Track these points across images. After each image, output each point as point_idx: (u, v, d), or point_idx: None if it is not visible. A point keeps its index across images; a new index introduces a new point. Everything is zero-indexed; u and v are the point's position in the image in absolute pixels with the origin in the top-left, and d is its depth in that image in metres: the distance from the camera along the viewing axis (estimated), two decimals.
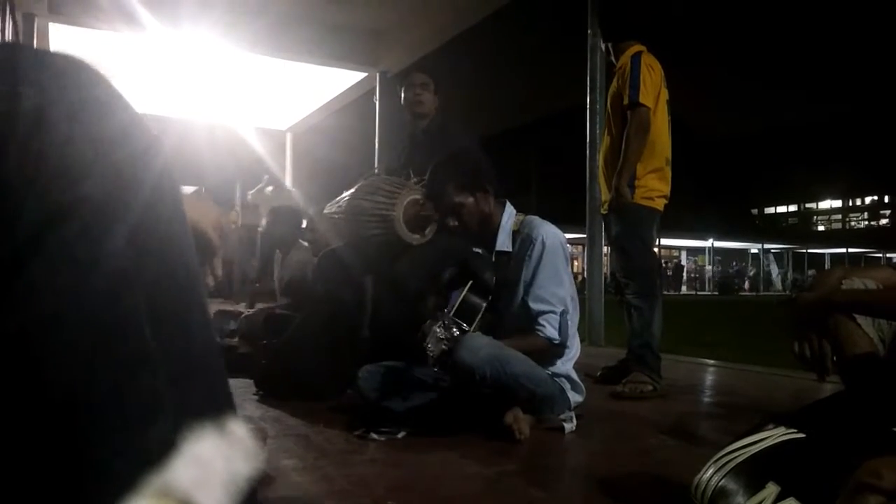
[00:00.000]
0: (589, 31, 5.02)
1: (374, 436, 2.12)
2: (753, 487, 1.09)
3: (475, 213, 2.35)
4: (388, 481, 1.70)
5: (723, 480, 1.15)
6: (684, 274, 38.75)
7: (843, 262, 40.60)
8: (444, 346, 2.13)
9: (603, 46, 3.54)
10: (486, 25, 6.08)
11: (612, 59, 3.28)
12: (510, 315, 2.34)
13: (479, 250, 2.46)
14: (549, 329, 2.25)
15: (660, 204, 3.11)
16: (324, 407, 2.57)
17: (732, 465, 1.16)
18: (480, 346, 2.10)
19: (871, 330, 1.47)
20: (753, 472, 1.12)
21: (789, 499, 1.02)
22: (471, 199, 2.34)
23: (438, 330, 2.14)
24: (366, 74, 6.85)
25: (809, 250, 45.93)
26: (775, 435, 1.17)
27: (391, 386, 2.36)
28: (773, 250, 44.74)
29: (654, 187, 3.07)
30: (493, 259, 2.40)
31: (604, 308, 5.20)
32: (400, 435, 2.14)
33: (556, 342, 2.26)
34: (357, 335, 2.84)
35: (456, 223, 2.36)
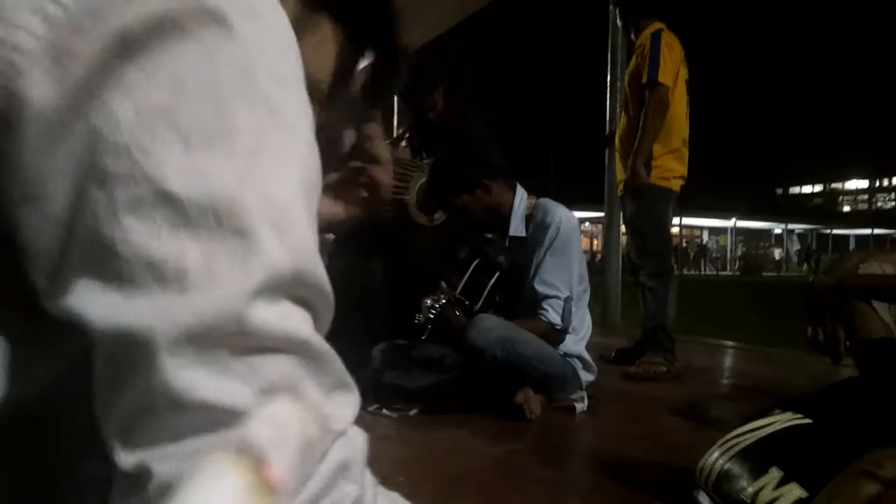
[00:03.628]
0: (610, 7, 4.93)
1: (387, 412, 2.15)
2: (757, 472, 1.09)
3: (480, 207, 2.36)
4: (398, 457, 1.72)
5: (728, 464, 1.15)
6: (706, 254, 38.48)
7: (868, 244, 39.98)
8: (430, 315, 2.17)
9: (621, 24, 3.48)
10: (505, 2, 5.98)
11: (633, 37, 3.23)
12: (523, 299, 2.34)
13: (491, 236, 2.46)
14: (552, 314, 2.24)
15: (676, 185, 3.07)
16: None
17: (737, 448, 1.16)
18: (491, 328, 2.11)
19: (886, 315, 1.46)
20: (758, 457, 1.12)
21: (791, 483, 1.02)
22: (473, 196, 2.34)
23: (428, 301, 2.19)
24: None
25: (834, 231, 45.22)
26: (782, 420, 1.17)
27: (404, 364, 2.39)
28: (796, 231, 44.14)
29: (670, 167, 3.03)
30: (508, 244, 2.39)
31: (620, 288, 5.17)
32: (412, 412, 2.17)
33: (558, 328, 2.26)
34: (371, 314, 2.86)
35: (461, 221, 2.38)
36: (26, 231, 0.34)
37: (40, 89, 0.32)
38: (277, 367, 0.34)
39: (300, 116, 0.38)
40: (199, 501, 0.30)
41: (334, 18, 0.54)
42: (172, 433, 0.32)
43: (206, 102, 0.34)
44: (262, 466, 0.32)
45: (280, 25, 0.39)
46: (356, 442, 0.41)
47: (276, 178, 0.35)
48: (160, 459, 0.31)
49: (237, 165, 0.34)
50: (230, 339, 0.32)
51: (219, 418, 0.32)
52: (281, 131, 0.36)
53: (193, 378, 0.31)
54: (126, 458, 0.32)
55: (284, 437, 0.34)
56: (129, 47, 0.33)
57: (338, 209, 0.71)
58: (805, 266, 34.75)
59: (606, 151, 4.76)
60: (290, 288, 0.35)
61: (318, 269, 0.37)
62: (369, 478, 0.42)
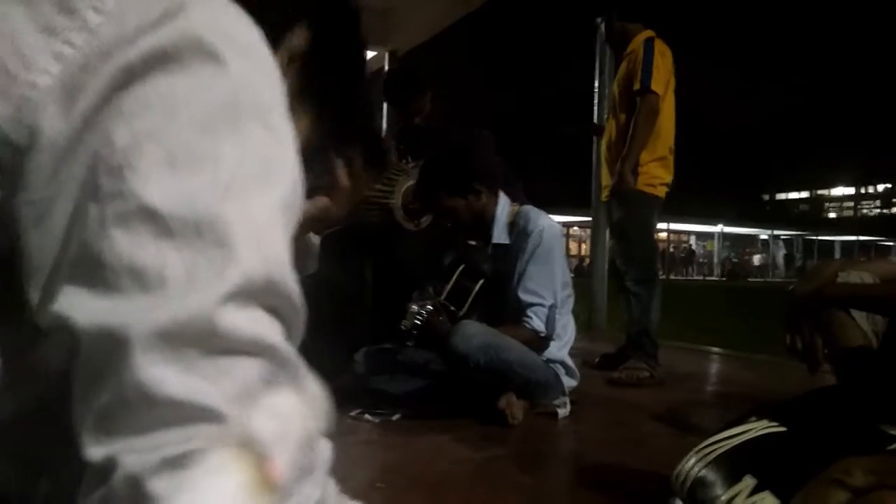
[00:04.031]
0: (597, 19, 4.95)
1: (369, 417, 2.15)
2: (731, 479, 1.10)
3: (467, 213, 2.35)
4: (379, 463, 1.72)
5: (703, 471, 1.16)
6: (693, 260, 38.76)
7: (853, 250, 40.38)
8: (416, 321, 2.17)
9: (603, 28, 3.48)
10: (497, 5, 5.99)
11: (622, 43, 3.22)
12: (508, 307, 2.34)
13: (475, 242, 2.46)
14: (536, 321, 2.24)
15: (661, 192, 3.09)
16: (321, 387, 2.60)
17: (713, 456, 1.17)
18: (474, 334, 2.11)
19: (864, 323, 1.47)
20: (732, 465, 1.13)
21: (764, 492, 1.03)
22: (462, 202, 2.34)
23: (414, 307, 2.19)
24: (374, 54, 6.80)
25: (820, 237, 45.59)
26: (757, 427, 1.18)
27: (388, 368, 2.39)
28: (782, 237, 44.48)
29: (656, 175, 3.05)
30: (491, 252, 2.39)
31: (606, 293, 5.19)
32: (395, 417, 2.16)
33: (542, 335, 2.26)
34: (356, 318, 2.85)
35: (449, 223, 2.38)
36: (32, 250, 0.37)
37: (52, 120, 0.36)
38: (244, 369, 0.35)
39: (283, 143, 0.41)
40: (199, 498, 0.31)
41: (316, 110, 0.59)
42: (141, 426, 0.33)
43: (194, 128, 0.37)
44: (264, 462, 0.33)
45: (267, 62, 0.42)
46: (321, 449, 0.42)
47: (257, 198, 0.38)
48: (128, 451, 0.32)
49: (220, 184, 0.36)
50: (200, 340, 0.34)
51: (186, 413, 0.33)
52: (263, 156, 0.39)
53: (163, 374, 0.33)
54: (96, 451, 0.33)
55: (287, 432, 0.35)
56: (129, 80, 0.36)
57: (307, 206, 0.74)
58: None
59: (593, 151, 4.76)
60: (262, 296, 0.37)
61: (290, 282, 0.39)
62: (332, 485, 0.44)
